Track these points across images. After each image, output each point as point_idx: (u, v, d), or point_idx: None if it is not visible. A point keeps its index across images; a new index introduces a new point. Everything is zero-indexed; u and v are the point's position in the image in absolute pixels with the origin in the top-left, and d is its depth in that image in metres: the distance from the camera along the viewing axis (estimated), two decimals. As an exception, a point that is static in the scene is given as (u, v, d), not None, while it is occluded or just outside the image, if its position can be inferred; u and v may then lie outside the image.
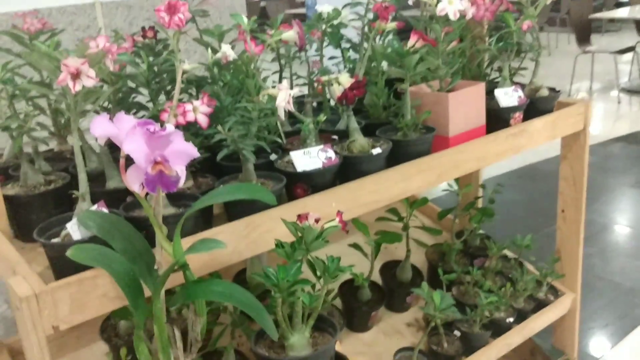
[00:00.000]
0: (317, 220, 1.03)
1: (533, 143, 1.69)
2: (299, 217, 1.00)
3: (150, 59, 1.33)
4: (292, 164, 1.28)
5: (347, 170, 1.37)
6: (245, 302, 0.89)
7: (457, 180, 2.02)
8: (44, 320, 0.95)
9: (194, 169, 1.30)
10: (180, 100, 1.18)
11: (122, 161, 0.86)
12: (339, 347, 1.14)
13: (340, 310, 1.79)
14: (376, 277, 1.93)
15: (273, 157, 1.36)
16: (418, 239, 1.92)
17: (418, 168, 1.43)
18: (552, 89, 1.81)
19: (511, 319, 1.85)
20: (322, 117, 1.31)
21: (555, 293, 2.01)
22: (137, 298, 0.88)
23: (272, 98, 1.19)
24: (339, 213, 1.05)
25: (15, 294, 0.94)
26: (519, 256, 2.07)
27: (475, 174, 2.19)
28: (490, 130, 1.64)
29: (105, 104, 1.36)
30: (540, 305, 1.96)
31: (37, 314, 0.94)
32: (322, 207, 1.26)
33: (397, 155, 1.47)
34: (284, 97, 1.18)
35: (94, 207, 1.08)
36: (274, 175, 1.28)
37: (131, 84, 1.38)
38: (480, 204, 2.19)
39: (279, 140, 1.31)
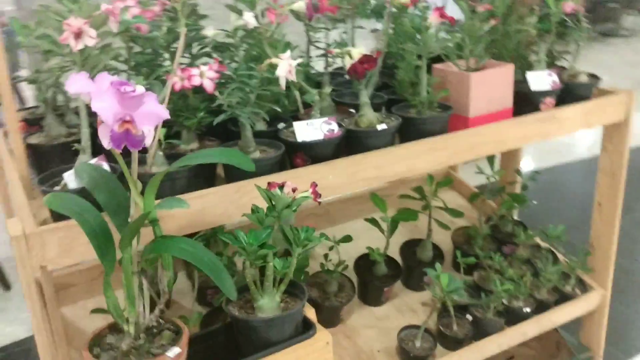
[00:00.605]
0: (293, 190, 1.05)
1: (564, 130, 1.63)
2: (269, 184, 1.02)
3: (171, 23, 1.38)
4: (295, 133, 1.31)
5: (352, 144, 1.38)
6: (206, 262, 0.94)
7: (491, 163, 1.97)
8: (32, 259, 1.03)
9: (200, 132, 1.34)
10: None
11: (98, 119, 0.91)
12: (312, 315, 1.16)
13: (352, 282, 1.81)
14: (395, 254, 1.93)
15: (281, 125, 1.38)
16: (441, 220, 1.90)
17: (428, 146, 1.41)
18: (592, 75, 1.72)
19: (528, 309, 1.80)
20: (328, 90, 1.31)
21: (584, 288, 1.94)
22: (105, 247, 0.94)
23: (275, 67, 1.21)
24: (313, 184, 1.07)
25: (10, 233, 1.03)
26: (551, 246, 2.00)
27: (514, 158, 2.13)
28: (518, 114, 1.59)
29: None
30: (565, 298, 1.90)
31: (26, 253, 1.03)
32: (318, 178, 1.28)
33: (409, 133, 1.46)
34: (284, 67, 1.19)
35: (94, 161, 1.16)
36: (275, 144, 1.31)
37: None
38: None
39: (299, 109, 1.33)
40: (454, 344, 1.73)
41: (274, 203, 1.03)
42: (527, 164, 3.83)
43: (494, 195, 1.99)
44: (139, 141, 0.88)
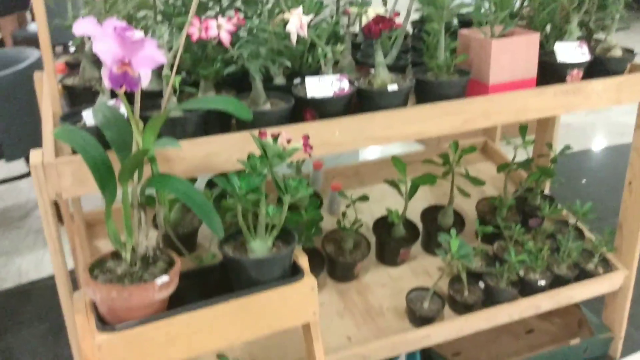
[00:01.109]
0: (288, 141, 1.10)
1: (590, 104, 1.59)
2: (259, 133, 1.08)
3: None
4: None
5: (363, 104, 1.41)
6: (196, 202, 1.01)
7: (523, 135, 1.95)
8: (48, 187, 1.14)
9: (218, 83, 1.41)
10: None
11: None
12: (304, 262, 1.22)
13: (368, 242, 1.86)
14: (416, 218, 1.96)
15: (296, 81, 1.43)
16: (463, 188, 1.91)
17: (440, 110, 1.43)
18: (628, 50, 1.67)
19: (544, 282, 1.80)
20: (340, 47, 1.34)
21: (608, 267, 1.91)
22: (106, 180, 1.02)
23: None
24: (305, 137, 1.12)
25: (30, 162, 1.14)
26: (578, 223, 1.97)
27: (550, 131, 2.09)
28: (544, 85, 1.57)
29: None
30: (585, 276, 1.88)
31: (43, 181, 1.13)
32: (324, 134, 1.33)
33: (424, 96, 1.47)
34: (295, 22, 1.23)
35: (112, 102, 1.25)
36: (286, 97, 1.36)
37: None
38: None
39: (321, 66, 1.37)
40: (463, 309, 1.75)
41: (266, 151, 1.09)
42: (586, 142, 3.72)
43: (521, 167, 1.97)
44: (136, 82, 0.96)
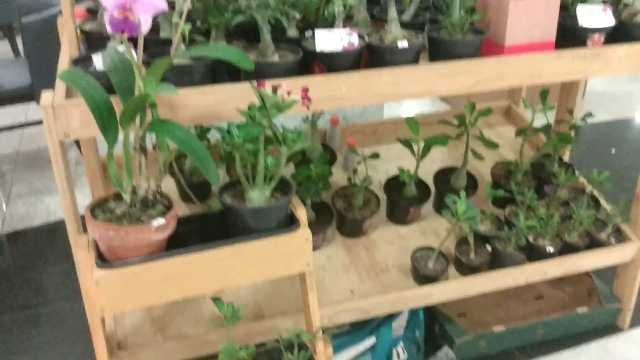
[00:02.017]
0: (288, 93, 1.11)
1: (611, 70, 1.55)
2: (258, 83, 1.09)
3: None
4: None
5: (373, 59, 1.40)
6: (193, 149, 1.04)
7: (544, 100, 1.92)
8: (57, 127, 1.18)
9: (229, 32, 1.42)
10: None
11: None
12: (302, 215, 1.25)
13: (378, 199, 1.87)
14: (430, 179, 1.96)
15: (308, 33, 1.43)
16: (479, 152, 1.89)
17: (451, 70, 1.41)
18: (655, 14, 1.61)
19: (552, 249, 1.80)
20: (352, 1, 1.33)
21: (621, 238, 1.89)
22: (108, 123, 1.06)
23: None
24: (303, 90, 1.12)
25: (41, 103, 1.18)
26: (595, 192, 1.95)
27: (572, 97, 2.05)
28: (562, 48, 1.53)
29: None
30: (597, 245, 1.86)
31: (53, 121, 1.17)
32: (330, 88, 1.33)
33: (438, 54, 1.46)
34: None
35: (122, 47, 1.27)
36: (295, 49, 1.36)
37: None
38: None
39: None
40: (469, 270, 1.77)
41: (264, 102, 1.10)
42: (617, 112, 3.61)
43: (540, 133, 1.94)
44: (136, 27, 0.98)
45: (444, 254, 1.77)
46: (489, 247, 1.80)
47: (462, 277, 1.76)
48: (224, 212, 1.23)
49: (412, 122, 1.77)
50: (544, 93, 1.92)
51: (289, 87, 1.12)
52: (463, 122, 1.82)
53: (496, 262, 1.79)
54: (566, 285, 2.19)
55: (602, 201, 1.99)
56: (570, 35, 1.55)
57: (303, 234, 1.17)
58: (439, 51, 1.45)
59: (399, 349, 1.80)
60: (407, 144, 1.77)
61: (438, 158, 2.19)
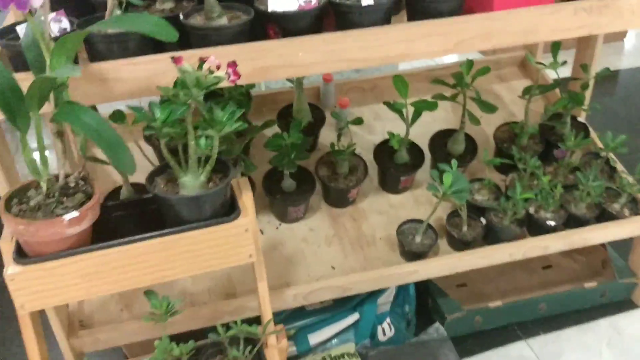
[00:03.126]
0: (218, 67, 0.98)
1: (622, 24, 1.34)
2: (174, 59, 0.95)
3: None
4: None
5: (339, 21, 1.24)
6: (103, 137, 0.92)
7: (555, 54, 1.71)
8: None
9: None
10: None
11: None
12: (248, 199, 1.13)
13: (366, 166, 1.73)
14: (426, 142, 1.81)
15: (264, -9, 1.27)
16: (474, 113, 1.71)
17: (427, 29, 1.24)
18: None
19: (553, 222, 1.63)
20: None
21: (636, 209, 1.71)
22: (16, 107, 0.95)
23: None
24: (231, 64, 0.98)
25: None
26: (610, 158, 1.76)
27: (590, 49, 1.82)
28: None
29: None
30: (607, 217, 1.69)
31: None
32: (286, 55, 1.18)
33: (415, 13, 1.29)
34: None
35: (52, 15, 1.15)
36: (246, 9, 1.21)
37: None
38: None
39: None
40: (461, 245, 1.63)
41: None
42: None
43: (546, 91, 1.74)
44: (25, 3, 0.85)
45: (433, 227, 1.63)
46: (483, 220, 1.65)
47: (452, 252, 1.63)
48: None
49: (400, 82, 1.59)
50: (555, 46, 1.70)
51: (218, 61, 0.98)
52: (460, 82, 1.64)
53: (491, 236, 1.64)
54: (578, 254, 2.02)
55: (619, 167, 1.79)
56: (574, -17, 1.34)
57: (242, 223, 1.06)
58: (417, 9, 1.27)
59: (385, 325, 1.70)
60: (394, 107, 1.61)
61: (440, 117, 2.01)
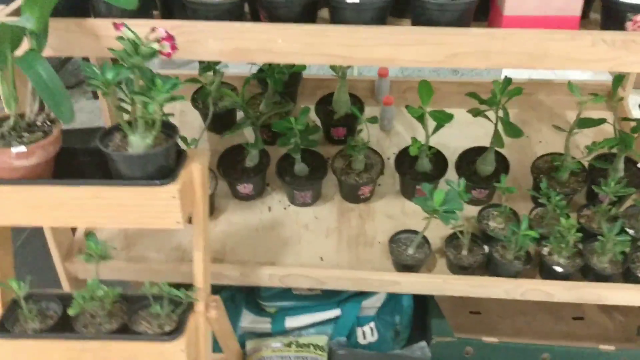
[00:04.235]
0: (165, 38, 1.03)
1: (654, 65, 1.18)
2: (114, 25, 1.01)
3: None
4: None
5: (333, 15, 1.22)
6: (49, 88, 1.02)
7: (615, 85, 1.53)
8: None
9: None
10: None
11: None
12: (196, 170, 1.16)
13: (383, 166, 1.69)
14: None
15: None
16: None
17: (416, 37, 1.18)
18: None
19: (560, 269, 1.49)
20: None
21: (670, 278, 1.50)
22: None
23: None
24: (168, 37, 1.02)
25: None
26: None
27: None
28: (590, 28, 1.20)
29: None
30: (632, 278, 1.50)
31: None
32: (265, 39, 1.20)
33: (417, 18, 1.23)
34: None
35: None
36: (241, -9, 1.24)
37: None
38: None
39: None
40: (457, 268, 1.55)
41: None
42: None
43: (589, 125, 1.57)
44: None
45: (428, 242, 1.56)
46: (487, 248, 1.55)
47: (441, 274, 1.55)
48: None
49: (424, 88, 1.53)
50: (617, 78, 1.53)
51: (165, 32, 1.03)
52: (492, 100, 1.53)
53: (491, 266, 1.54)
54: (618, 312, 1.83)
55: (670, 228, 1.57)
56: (605, 13, 1.20)
57: (169, 190, 1.11)
58: (421, 14, 1.21)
59: (367, 329, 1.68)
60: (412, 112, 1.55)
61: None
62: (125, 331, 1.22)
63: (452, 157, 1.73)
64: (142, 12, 1.23)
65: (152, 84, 1.04)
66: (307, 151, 1.69)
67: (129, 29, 1.03)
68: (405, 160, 1.71)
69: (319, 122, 1.83)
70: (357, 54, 1.21)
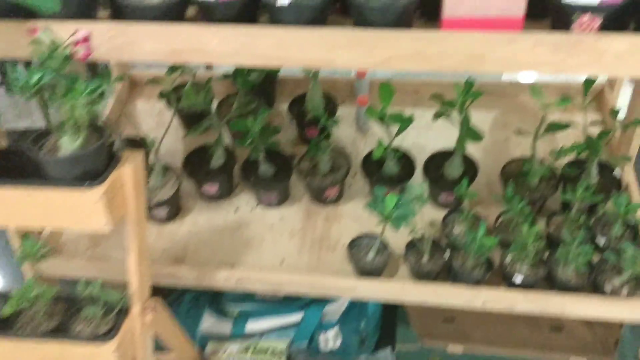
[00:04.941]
0: (84, 40, 1.02)
1: (601, 68, 1.11)
2: (29, 30, 1.01)
3: None
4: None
5: (270, 15, 1.20)
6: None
7: (586, 88, 1.46)
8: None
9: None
10: None
11: None
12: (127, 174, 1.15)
13: (349, 168, 1.66)
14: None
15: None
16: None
17: (352, 39, 1.14)
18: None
19: (520, 278, 1.43)
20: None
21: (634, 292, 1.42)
22: None
23: None
24: (83, 40, 1.01)
25: None
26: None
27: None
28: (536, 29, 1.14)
29: None
30: (600, 290, 1.43)
31: None
32: (200, 41, 1.18)
33: (358, 18, 1.19)
34: None
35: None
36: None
37: None
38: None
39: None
40: (417, 275, 1.51)
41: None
42: None
43: (552, 130, 1.49)
44: None
45: (387, 247, 1.53)
46: (447, 255, 1.50)
47: (400, 280, 1.51)
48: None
49: (384, 89, 1.49)
50: (587, 81, 1.46)
51: (86, 34, 1.02)
52: (451, 103, 1.48)
53: (452, 274, 1.49)
54: (598, 325, 1.75)
55: (644, 237, 1.50)
56: (554, 13, 1.14)
57: (95, 192, 1.10)
58: (356, 15, 1.17)
59: (330, 335, 1.65)
60: (374, 113, 1.51)
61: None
62: (63, 331, 1.23)
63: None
64: (85, 13, 1.23)
65: (73, 87, 1.04)
66: (273, 152, 1.67)
67: (47, 32, 1.03)
68: (373, 162, 1.67)
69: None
70: (290, 55, 1.18)
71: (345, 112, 1.88)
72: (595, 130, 1.56)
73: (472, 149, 1.66)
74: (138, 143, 1.70)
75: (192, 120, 1.82)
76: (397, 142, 1.62)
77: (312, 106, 1.78)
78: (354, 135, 1.89)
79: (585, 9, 1.10)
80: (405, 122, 1.46)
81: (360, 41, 1.15)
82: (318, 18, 1.19)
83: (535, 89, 1.43)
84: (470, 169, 1.61)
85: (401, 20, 1.17)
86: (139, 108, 2.03)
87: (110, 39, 1.19)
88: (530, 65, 1.13)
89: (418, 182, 1.65)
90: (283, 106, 1.91)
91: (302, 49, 1.17)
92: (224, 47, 1.19)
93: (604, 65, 1.10)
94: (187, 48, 1.20)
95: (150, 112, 2.00)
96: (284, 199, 1.72)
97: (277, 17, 1.18)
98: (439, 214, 1.63)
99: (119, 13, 1.28)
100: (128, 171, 1.18)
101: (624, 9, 1.09)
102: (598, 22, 1.10)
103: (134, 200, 1.20)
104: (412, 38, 1.13)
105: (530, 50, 1.11)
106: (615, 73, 1.12)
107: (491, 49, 1.12)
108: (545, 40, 1.10)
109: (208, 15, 1.20)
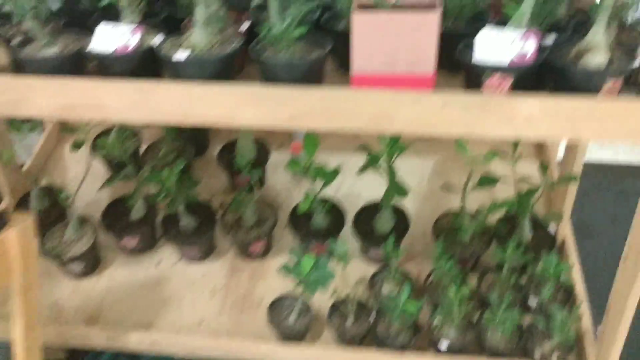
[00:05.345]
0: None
1: (515, 131, 1.05)
2: None
3: None
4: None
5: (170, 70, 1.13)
6: None
7: (515, 144, 1.41)
8: None
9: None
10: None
11: None
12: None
13: (276, 221, 1.58)
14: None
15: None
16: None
17: (256, 96, 1.07)
18: (625, 55, 1.04)
19: (445, 343, 1.35)
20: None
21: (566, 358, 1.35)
22: None
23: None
24: None
25: None
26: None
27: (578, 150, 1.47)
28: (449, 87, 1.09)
29: None
30: (528, 357, 1.36)
31: None
32: (93, 96, 1.10)
33: (266, 75, 1.13)
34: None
35: None
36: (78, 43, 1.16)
37: None
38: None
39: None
40: (339, 338, 1.42)
41: None
42: None
43: (484, 184, 1.44)
44: None
45: (310, 309, 1.44)
46: (372, 318, 1.42)
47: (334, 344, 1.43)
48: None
49: (309, 140, 1.43)
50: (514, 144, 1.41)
51: None
52: (375, 157, 1.42)
53: (373, 337, 1.41)
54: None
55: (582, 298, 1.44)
56: (465, 72, 1.09)
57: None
58: (266, 72, 1.11)
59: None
60: (298, 167, 1.44)
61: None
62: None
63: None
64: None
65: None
66: (197, 203, 1.59)
67: None
68: (302, 215, 1.59)
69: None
70: (191, 112, 1.11)
71: (281, 159, 1.81)
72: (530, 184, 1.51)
73: (407, 199, 1.59)
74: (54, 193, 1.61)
75: (120, 167, 1.73)
76: (329, 191, 1.56)
77: (240, 154, 1.70)
78: (288, 183, 1.82)
79: (495, 69, 1.05)
80: (329, 176, 1.39)
81: (265, 98, 1.08)
82: (222, 73, 1.12)
83: (460, 143, 1.37)
84: (402, 222, 1.55)
85: (310, 76, 1.11)
86: (68, 154, 1.95)
87: (1, 94, 1.12)
88: (441, 125, 1.06)
89: (348, 235, 1.57)
90: (216, 152, 1.83)
91: (202, 105, 1.10)
92: (119, 103, 1.11)
93: (515, 126, 1.04)
94: (82, 103, 1.12)
95: (80, 158, 1.91)
96: (208, 253, 1.63)
97: (175, 72, 1.12)
98: (369, 270, 1.55)
99: (17, 66, 1.21)
100: (12, 236, 1.09)
101: (535, 69, 1.05)
102: (509, 82, 1.05)
103: (19, 267, 1.11)
104: (320, 96, 1.06)
105: (439, 110, 1.05)
106: (526, 134, 1.05)
107: (398, 109, 1.05)
108: (454, 101, 1.04)
109: (105, 69, 1.13)
